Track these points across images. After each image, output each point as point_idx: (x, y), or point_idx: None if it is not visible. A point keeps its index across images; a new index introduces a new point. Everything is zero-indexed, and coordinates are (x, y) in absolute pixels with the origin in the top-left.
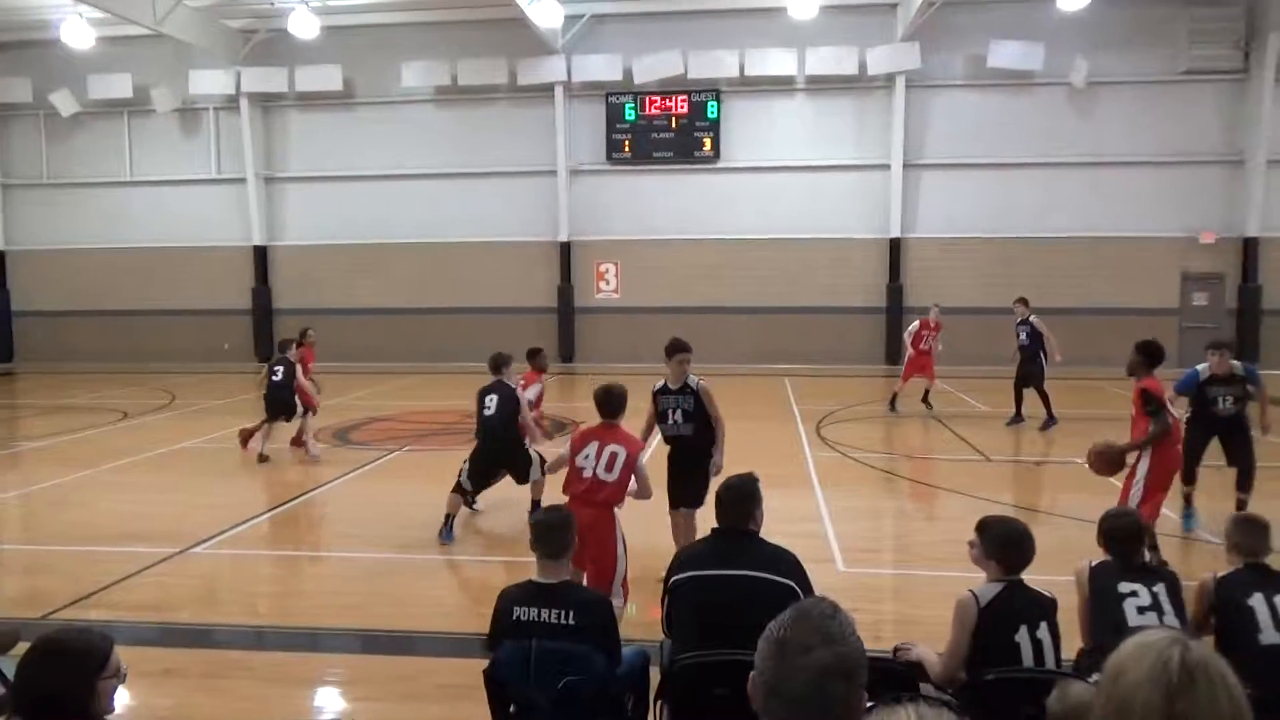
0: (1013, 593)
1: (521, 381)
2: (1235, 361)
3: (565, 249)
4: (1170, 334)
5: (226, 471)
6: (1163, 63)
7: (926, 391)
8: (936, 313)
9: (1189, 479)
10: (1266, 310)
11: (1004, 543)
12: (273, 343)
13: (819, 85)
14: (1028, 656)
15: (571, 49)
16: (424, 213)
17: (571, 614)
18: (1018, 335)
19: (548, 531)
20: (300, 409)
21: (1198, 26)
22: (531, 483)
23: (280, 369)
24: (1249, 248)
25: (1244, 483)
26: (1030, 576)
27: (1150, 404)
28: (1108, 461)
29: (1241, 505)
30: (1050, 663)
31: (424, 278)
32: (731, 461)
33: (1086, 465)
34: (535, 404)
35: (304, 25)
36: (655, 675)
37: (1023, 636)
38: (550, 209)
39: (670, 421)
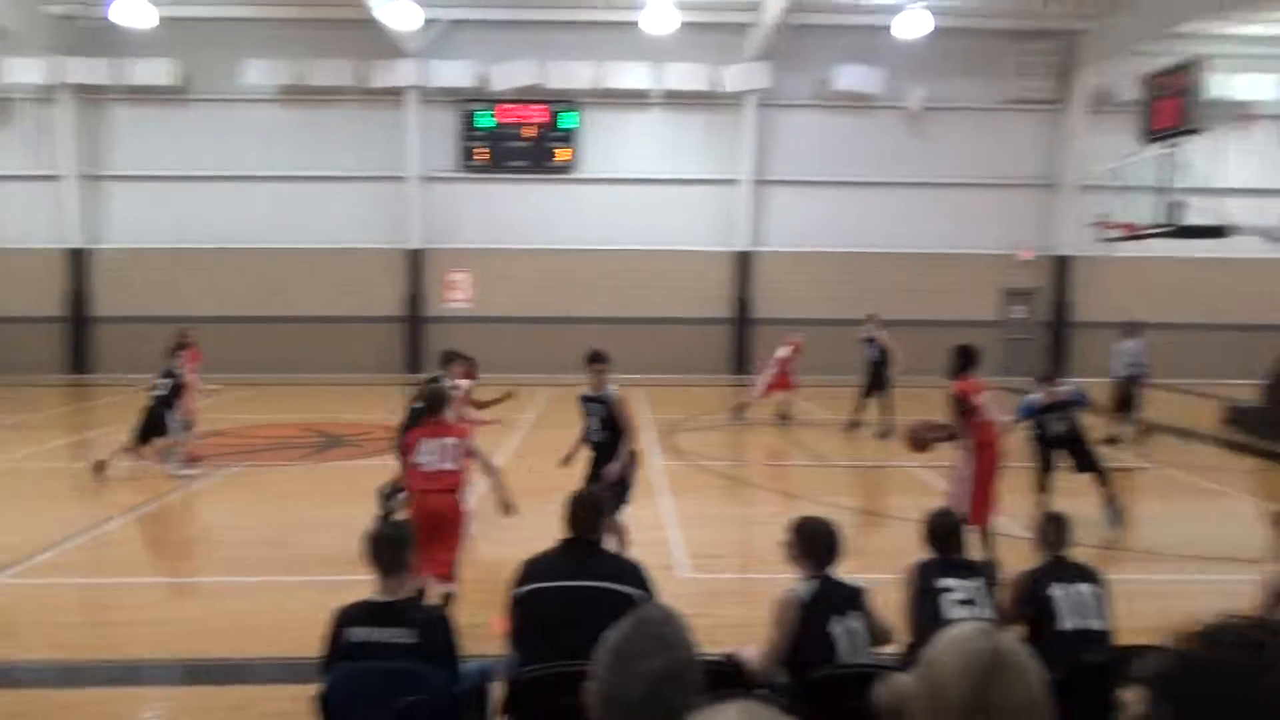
0: (827, 587)
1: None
2: (1062, 388)
3: (416, 257)
4: (992, 344)
5: (37, 492)
6: (990, 91)
7: (786, 406)
8: (797, 341)
9: (1042, 488)
10: (1075, 323)
11: (814, 540)
12: (88, 352)
13: (674, 100)
14: (844, 645)
15: (425, 54)
16: (266, 217)
17: (410, 632)
18: (866, 348)
19: (386, 547)
20: (179, 425)
21: (1023, 59)
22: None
23: (166, 382)
24: (1061, 265)
25: (1103, 481)
26: (868, 576)
27: (959, 405)
28: (916, 440)
29: (1111, 500)
30: (863, 650)
31: (265, 284)
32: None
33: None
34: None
35: (135, 15)
36: (499, 690)
37: (836, 627)
38: (401, 216)
39: (589, 428)
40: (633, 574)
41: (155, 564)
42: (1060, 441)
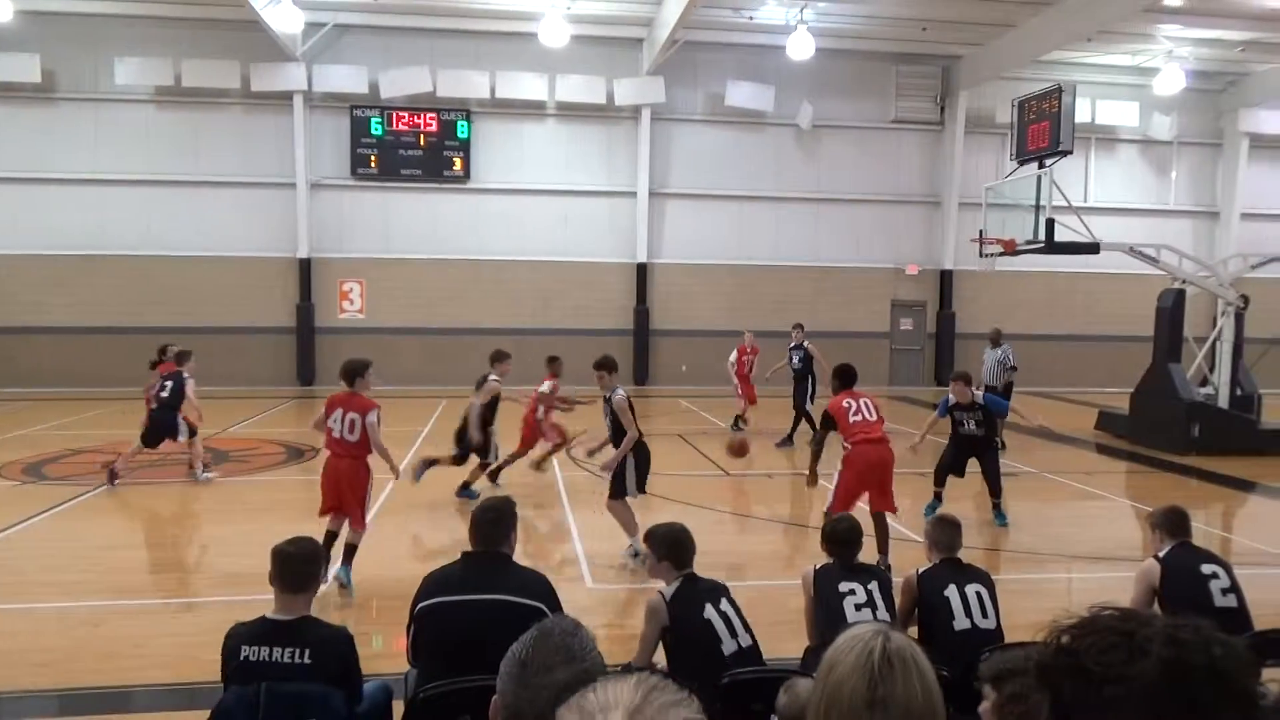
0: (691, 583)
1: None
2: (977, 391)
3: (305, 266)
4: (883, 355)
5: None
6: (876, 111)
7: (740, 414)
8: (751, 338)
9: (939, 482)
10: (959, 334)
11: (670, 544)
12: None
13: (569, 111)
14: (720, 628)
15: (313, 57)
16: (142, 223)
17: (308, 652)
18: (790, 359)
19: (295, 563)
20: (185, 430)
21: (903, 81)
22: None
23: (170, 384)
24: (945, 279)
25: (994, 489)
26: (765, 583)
27: (825, 420)
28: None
29: (996, 508)
30: (740, 632)
31: (140, 294)
32: (480, 484)
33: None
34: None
35: None
36: (400, 708)
37: (710, 613)
38: (289, 223)
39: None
40: (538, 586)
41: (20, 590)
42: (971, 443)
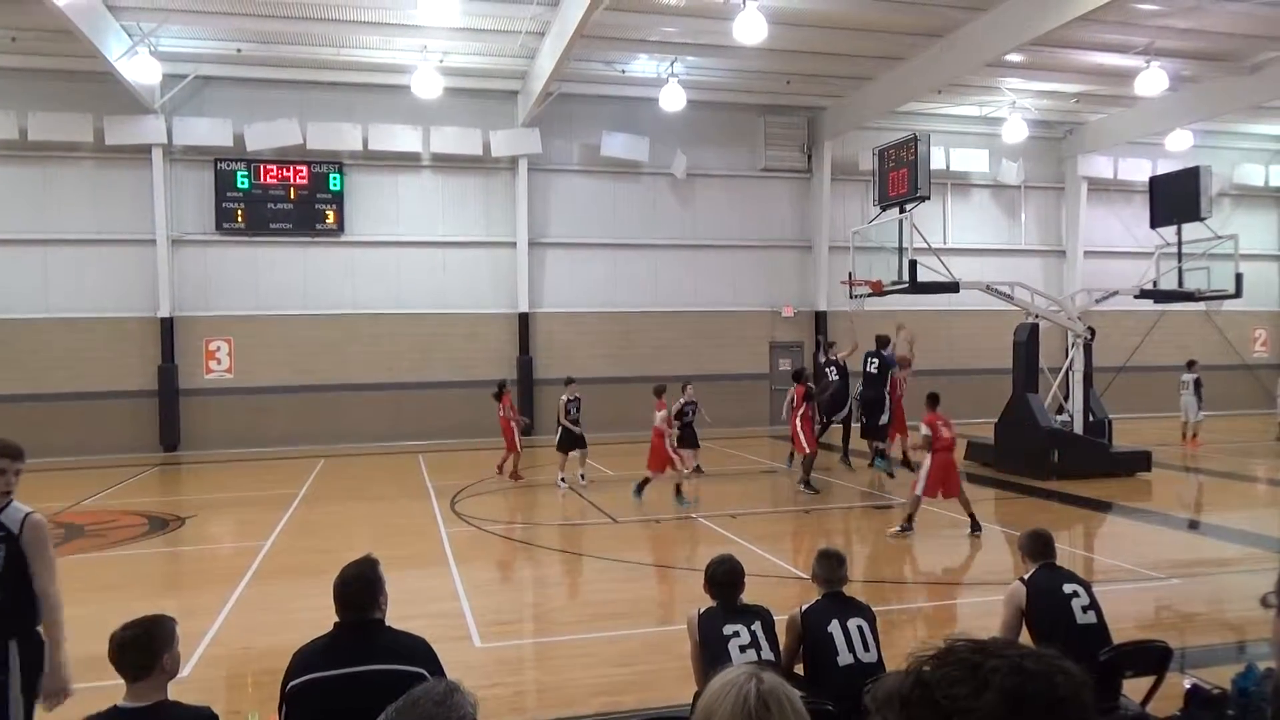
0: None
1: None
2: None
3: (167, 325)
4: (763, 395)
5: None
6: (746, 160)
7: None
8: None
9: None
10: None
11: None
12: None
13: (445, 163)
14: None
15: (173, 110)
16: None
17: None
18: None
19: (131, 649)
20: None
21: (771, 132)
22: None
23: None
24: (820, 319)
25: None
26: (645, 630)
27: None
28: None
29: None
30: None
31: None
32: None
33: None
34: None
35: None
36: None
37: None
38: (148, 282)
39: None
40: (416, 650)
41: None
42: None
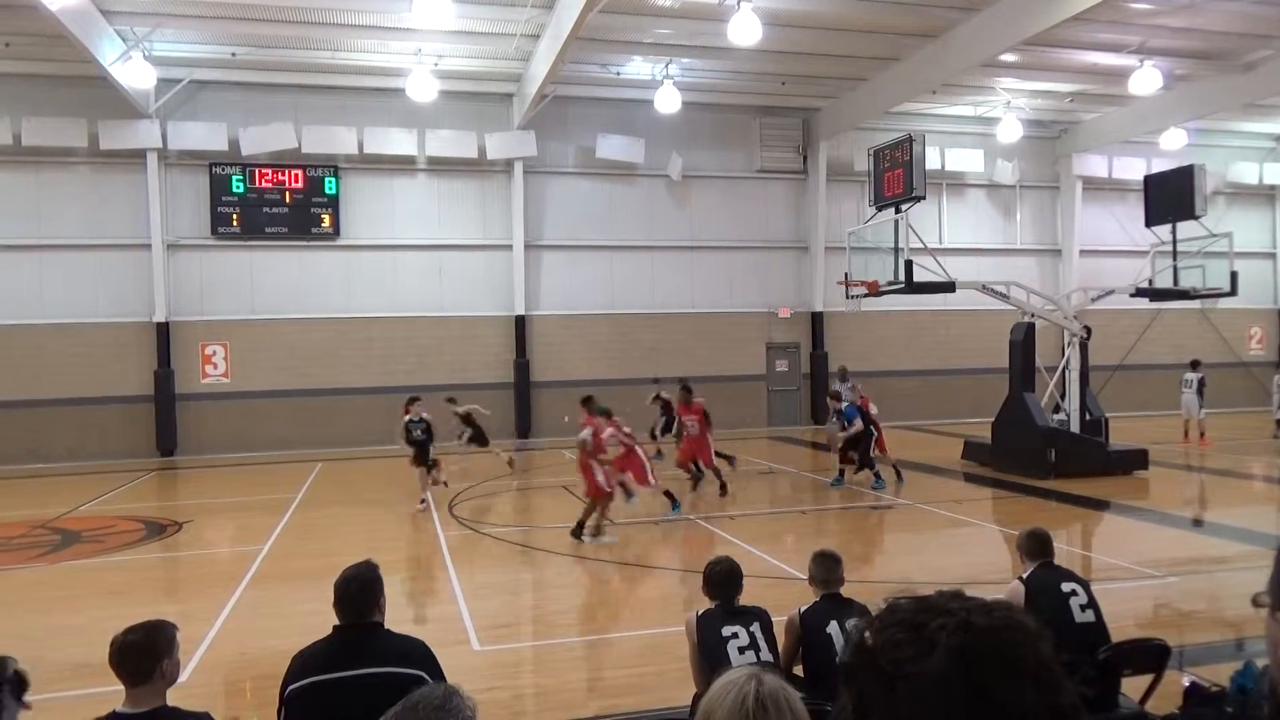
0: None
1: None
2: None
3: (163, 330)
4: (760, 397)
5: None
6: (742, 162)
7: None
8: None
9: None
10: (832, 373)
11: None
12: None
13: (441, 166)
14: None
15: (167, 114)
16: None
17: None
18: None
19: (131, 655)
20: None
21: (767, 133)
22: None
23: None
24: (816, 320)
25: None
26: (644, 632)
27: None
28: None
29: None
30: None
31: None
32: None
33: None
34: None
35: None
36: None
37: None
38: (144, 286)
39: None
40: (415, 653)
41: None
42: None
